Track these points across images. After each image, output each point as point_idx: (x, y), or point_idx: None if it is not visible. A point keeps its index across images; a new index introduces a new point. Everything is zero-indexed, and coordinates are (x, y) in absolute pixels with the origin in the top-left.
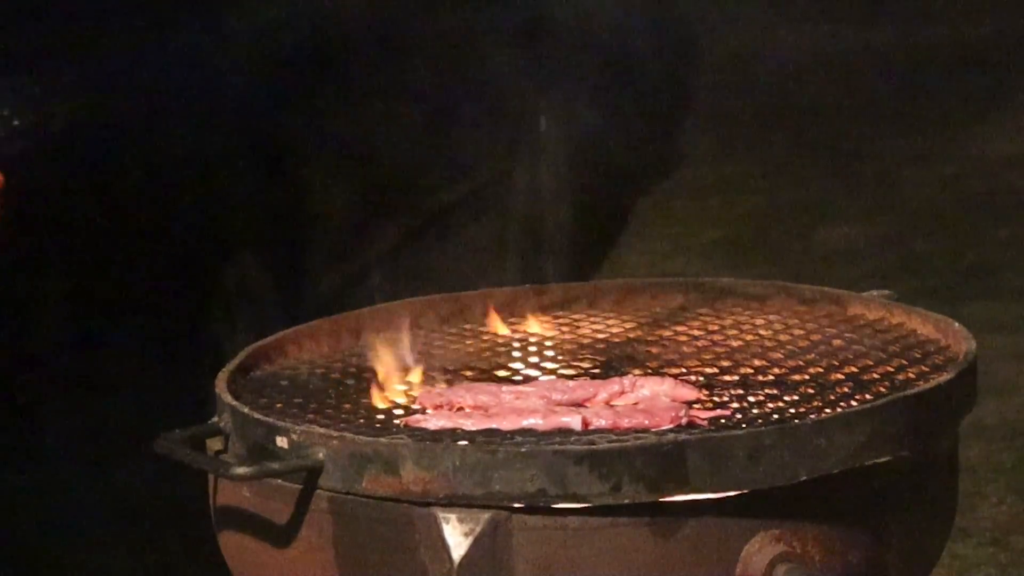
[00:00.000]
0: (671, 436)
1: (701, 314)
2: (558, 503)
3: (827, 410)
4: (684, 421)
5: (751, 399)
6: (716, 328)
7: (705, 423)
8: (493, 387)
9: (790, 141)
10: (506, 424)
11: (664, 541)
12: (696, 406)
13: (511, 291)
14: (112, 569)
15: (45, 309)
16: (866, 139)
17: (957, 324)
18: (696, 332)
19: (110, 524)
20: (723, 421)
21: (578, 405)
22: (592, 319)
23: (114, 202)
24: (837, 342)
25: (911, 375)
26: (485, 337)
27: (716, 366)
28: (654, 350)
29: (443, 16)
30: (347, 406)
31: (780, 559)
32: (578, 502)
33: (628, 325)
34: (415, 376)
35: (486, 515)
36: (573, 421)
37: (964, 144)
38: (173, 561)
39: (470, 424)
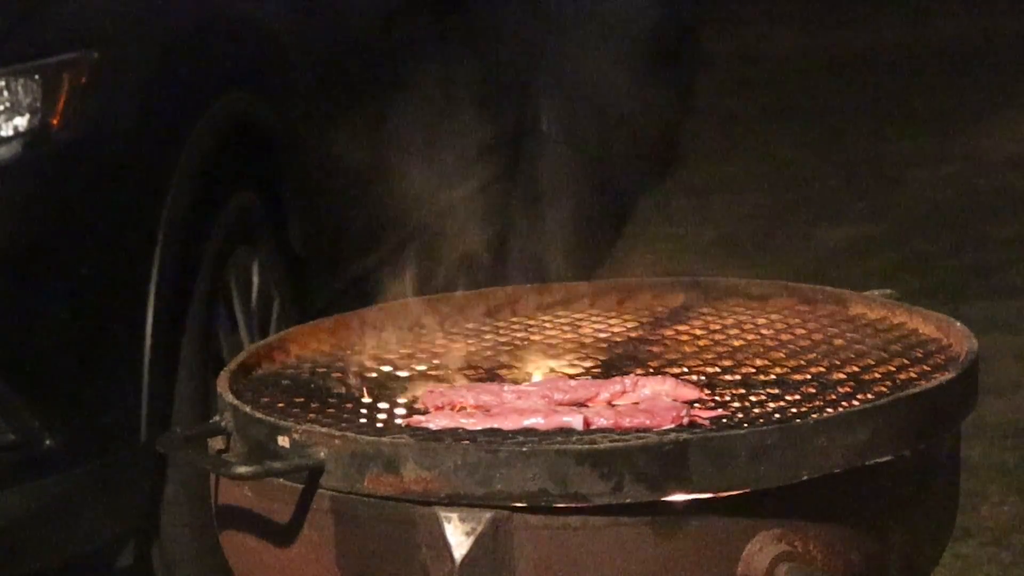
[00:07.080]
0: (673, 436)
1: (703, 313)
2: (560, 503)
3: (829, 410)
4: (686, 421)
5: (752, 398)
6: (717, 327)
7: (706, 423)
8: (495, 387)
9: (792, 140)
10: (508, 424)
11: (665, 540)
12: (697, 405)
13: (512, 290)
14: None
15: None
16: (868, 138)
17: (958, 323)
18: (697, 331)
19: None
20: (724, 421)
21: (580, 405)
22: (593, 318)
23: None
24: (838, 341)
25: (912, 374)
26: (487, 336)
27: (717, 365)
28: (655, 349)
29: None
30: (349, 405)
31: (781, 559)
32: (580, 502)
33: (629, 324)
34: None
35: (488, 515)
36: (575, 421)
37: (966, 144)
38: None
39: (472, 424)
